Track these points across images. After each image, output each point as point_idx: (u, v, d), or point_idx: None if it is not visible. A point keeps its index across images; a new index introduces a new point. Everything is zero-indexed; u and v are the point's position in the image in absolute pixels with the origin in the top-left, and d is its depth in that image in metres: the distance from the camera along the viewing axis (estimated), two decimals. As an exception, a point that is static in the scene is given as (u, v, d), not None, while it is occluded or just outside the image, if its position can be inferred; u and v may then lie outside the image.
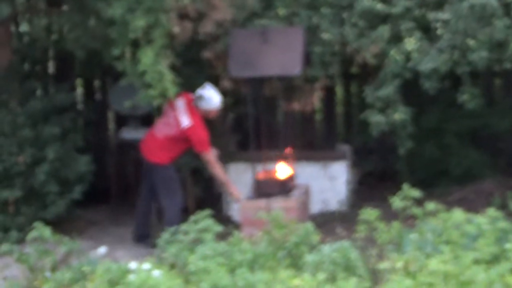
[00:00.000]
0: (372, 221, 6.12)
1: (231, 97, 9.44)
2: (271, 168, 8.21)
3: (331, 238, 7.64)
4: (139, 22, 7.48)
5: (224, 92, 8.56)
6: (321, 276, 5.20)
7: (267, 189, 7.90)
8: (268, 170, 8.21)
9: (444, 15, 7.89)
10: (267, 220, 6.32)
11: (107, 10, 7.64)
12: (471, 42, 7.63)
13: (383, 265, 5.49)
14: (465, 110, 8.18)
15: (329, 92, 10.54)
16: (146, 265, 5.68)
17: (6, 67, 8.94)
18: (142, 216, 8.38)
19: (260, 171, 8.18)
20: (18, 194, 8.52)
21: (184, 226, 6.39)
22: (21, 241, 7.63)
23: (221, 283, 5.20)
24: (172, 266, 5.93)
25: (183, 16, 7.88)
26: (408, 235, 5.95)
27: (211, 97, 8.04)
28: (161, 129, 8.14)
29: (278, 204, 7.61)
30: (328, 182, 9.38)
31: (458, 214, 5.96)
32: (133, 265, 5.73)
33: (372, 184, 10.53)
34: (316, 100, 8.79)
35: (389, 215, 6.32)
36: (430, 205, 6.13)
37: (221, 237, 6.45)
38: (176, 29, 7.72)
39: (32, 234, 6.28)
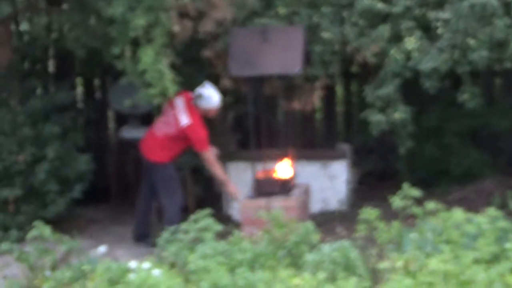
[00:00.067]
0: (372, 221, 6.12)
1: (231, 96, 9.44)
2: (271, 167, 8.21)
3: (331, 237, 7.64)
4: (139, 21, 7.48)
5: (224, 91, 8.56)
6: (321, 275, 5.20)
7: (267, 188, 7.90)
8: (268, 169, 8.21)
9: (445, 14, 7.88)
10: (267, 219, 6.32)
11: (107, 9, 7.64)
12: (471, 42, 7.63)
13: (383, 264, 5.49)
14: (465, 109, 8.17)
15: (329, 91, 10.53)
16: (146, 264, 5.68)
17: (6, 66, 8.94)
18: (142, 215, 8.38)
19: (260, 170, 8.18)
20: (18, 193, 8.52)
21: (184, 225, 6.39)
22: (21, 240, 7.63)
23: (221, 282, 5.20)
24: (172, 265, 5.93)
25: (183, 15, 7.88)
26: (408, 234, 5.95)
27: (211, 96, 8.03)
28: (161, 128, 8.14)
29: (278, 203, 7.61)
30: (328, 181, 9.38)
31: (458, 214, 5.97)
32: (133, 264, 5.73)
33: (372, 184, 10.53)
34: (316, 99, 8.78)
35: (389, 215, 6.32)
36: (430, 205, 6.13)
37: (221, 236, 6.45)
38: (176, 28, 7.72)
39: (32, 233, 6.28)
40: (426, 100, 9.68)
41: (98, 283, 5.54)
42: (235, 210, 8.81)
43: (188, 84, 8.13)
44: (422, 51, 7.89)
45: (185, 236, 6.23)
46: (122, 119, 10.29)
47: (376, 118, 8.03)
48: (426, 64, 7.75)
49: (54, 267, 6.21)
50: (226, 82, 8.49)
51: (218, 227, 6.28)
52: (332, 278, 5.31)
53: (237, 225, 7.84)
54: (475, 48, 7.60)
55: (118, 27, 7.68)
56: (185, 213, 7.70)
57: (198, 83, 8.16)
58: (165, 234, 6.41)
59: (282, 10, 8.50)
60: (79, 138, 9.16)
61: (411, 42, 7.94)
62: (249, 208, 7.68)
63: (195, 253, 5.80)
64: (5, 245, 6.42)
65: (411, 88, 8.35)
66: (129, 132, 9.60)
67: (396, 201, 6.15)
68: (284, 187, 7.98)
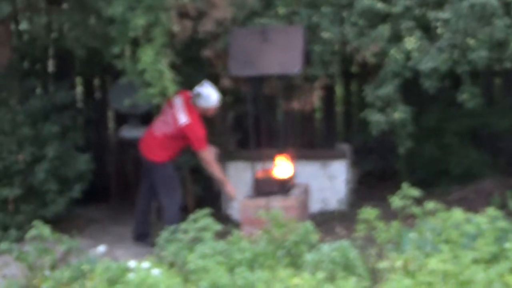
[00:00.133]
0: (372, 221, 6.12)
1: (231, 96, 9.44)
2: (270, 167, 8.21)
3: (330, 237, 7.65)
4: (139, 21, 7.48)
5: (224, 91, 8.56)
6: (321, 275, 5.20)
7: (267, 188, 7.90)
8: (268, 169, 8.20)
9: (444, 14, 7.88)
10: (267, 219, 6.32)
11: (107, 9, 7.64)
12: (471, 42, 7.63)
13: (383, 264, 5.49)
14: (465, 109, 8.17)
15: (329, 91, 10.53)
16: (146, 264, 5.68)
17: (6, 66, 8.94)
18: (141, 215, 8.38)
19: (260, 170, 8.18)
20: (18, 193, 8.52)
21: (183, 225, 6.39)
22: (20, 239, 7.63)
23: (220, 282, 5.20)
24: (172, 265, 5.93)
25: (183, 14, 7.88)
26: (408, 234, 5.95)
27: (209, 94, 8.03)
28: (160, 127, 8.14)
29: (277, 203, 7.60)
30: (328, 181, 9.38)
31: (457, 214, 5.97)
32: (132, 263, 5.73)
33: (372, 184, 10.53)
34: (316, 99, 8.78)
35: (389, 215, 6.32)
36: (430, 205, 6.13)
37: (221, 236, 6.45)
38: (176, 28, 7.72)
39: (31, 233, 6.28)
40: (426, 100, 9.68)
41: (98, 282, 5.54)
42: (235, 209, 8.81)
43: (188, 83, 8.12)
44: (422, 51, 7.89)
45: (185, 236, 6.24)
46: (122, 119, 10.28)
47: (375, 118, 8.03)
48: (426, 64, 7.75)
49: (53, 267, 6.21)
50: (226, 82, 8.49)
51: (218, 226, 6.28)
52: (331, 278, 5.31)
53: (237, 224, 7.84)
54: (475, 48, 7.60)
55: (118, 26, 7.68)
56: (184, 212, 7.69)
57: (198, 82, 8.16)
58: (165, 234, 6.41)
59: (282, 10, 8.50)
60: (78, 137, 9.16)
61: (411, 42, 7.94)
62: (249, 208, 7.68)
63: (195, 252, 5.80)
64: (4, 245, 6.42)
65: (410, 88, 8.36)
66: (129, 132, 9.60)
67: (396, 201, 6.16)
68: (284, 187, 7.98)
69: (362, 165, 10.54)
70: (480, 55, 7.55)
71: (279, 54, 7.97)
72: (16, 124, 8.69)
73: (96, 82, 11.65)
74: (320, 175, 9.36)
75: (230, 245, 6.01)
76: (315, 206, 9.03)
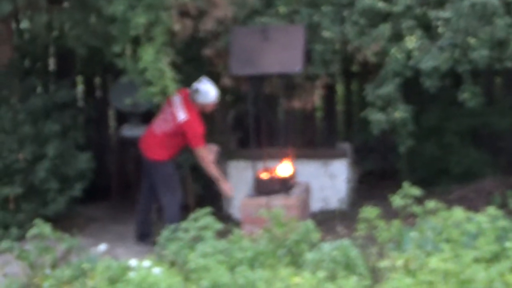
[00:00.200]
0: (372, 220, 6.12)
1: (232, 95, 9.43)
2: (271, 166, 8.21)
3: (331, 236, 7.66)
4: (140, 20, 7.48)
5: (224, 90, 8.56)
6: (321, 274, 5.20)
7: (268, 187, 7.90)
8: (269, 168, 8.20)
9: (445, 13, 7.88)
10: (268, 218, 6.32)
11: (108, 7, 7.64)
12: (472, 41, 7.63)
13: (383, 263, 5.49)
14: (466, 108, 8.17)
15: (329, 90, 10.53)
16: (146, 263, 5.68)
17: (7, 64, 8.94)
18: (143, 215, 8.37)
19: (261, 169, 8.18)
20: (19, 191, 8.52)
21: (184, 224, 6.39)
22: (21, 238, 7.64)
23: (221, 281, 5.20)
24: (172, 264, 5.93)
25: (183, 13, 7.88)
26: (408, 233, 5.95)
27: (208, 91, 8.03)
28: (159, 125, 8.15)
29: (278, 202, 7.61)
30: (329, 180, 9.38)
31: (458, 213, 5.97)
32: (133, 262, 5.73)
33: (373, 183, 10.53)
34: (316, 98, 8.78)
35: (390, 214, 6.32)
36: (430, 204, 6.13)
37: (221, 235, 6.46)
38: (176, 27, 7.73)
39: (32, 231, 6.28)
40: (427, 99, 9.68)
41: (98, 281, 5.54)
42: (235, 208, 8.81)
43: (188, 82, 8.12)
44: (423, 50, 7.89)
45: (185, 235, 6.23)
46: (123, 118, 10.28)
47: (376, 117, 8.03)
48: (427, 63, 7.75)
49: (54, 265, 6.21)
50: (227, 81, 8.49)
51: (218, 225, 6.28)
52: (332, 277, 5.31)
53: (237, 223, 7.85)
54: (476, 47, 7.60)
55: (118, 25, 7.69)
56: (185, 211, 7.70)
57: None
58: (165, 233, 6.41)
59: (282, 9, 8.50)
60: (79, 136, 9.16)
61: (411, 41, 7.94)
62: (249, 207, 7.68)
63: (195, 251, 5.80)
64: (5, 243, 6.42)
65: (411, 87, 8.35)
66: (130, 131, 9.60)
67: (396, 200, 6.15)
68: (285, 186, 7.98)
69: (362, 164, 10.54)
70: (481, 54, 7.55)
71: (280, 53, 7.97)
72: (16, 122, 8.70)
73: (97, 81, 11.65)
74: (321, 174, 9.36)
75: (231, 244, 6.01)
76: (315, 205, 9.03)
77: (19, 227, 8.24)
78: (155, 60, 7.53)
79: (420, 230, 5.93)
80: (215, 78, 8.41)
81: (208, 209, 6.41)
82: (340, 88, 12.31)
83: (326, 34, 8.26)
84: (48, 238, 6.30)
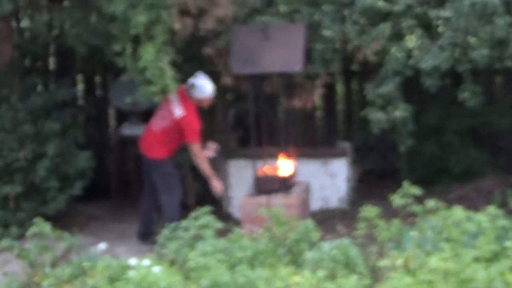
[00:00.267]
0: (372, 219, 6.12)
1: (232, 94, 9.43)
2: (271, 165, 8.21)
3: (331, 235, 7.66)
4: (140, 18, 7.48)
5: (225, 89, 8.55)
6: (321, 273, 5.20)
7: (268, 186, 7.90)
8: (269, 167, 8.21)
9: (446, 12, 7.88)
10: (268, 217, 6.32)
11: (108, 6, 7.64)
12: (472, 40, 7.63)
13: (383, 262, 5.49)
14: (466, 108, 8.16)
15: (330, 89, 10.53)
16: (146, 262, 5.68)
17: (7, 63, 8.95)
18: (145, 214, 8.36)
19: (261, 168, 8.18)
20: (19, 190, 8.53)
21: (184, 223, 6.39)
22: (21, 236, 7.64)
23: (221, 280, 5.20)
24: (172, 263, 5.93)
25: (184, 12, 7.89)
26: (408, 232, 5.95)
27: (204, 85, 8.02)
28: (157, 123, 8.15)
29: (278, 201, 7.61)
30: (329, 179, 9.39)
31: (458, 212, 5.96)
32: (133, 261, 5.73)
33: (373, 182, 10.54)
34: (316, 97, 8.78)
35: (389, 213, 6.32)
36: (430, 203, 6.13)
37: (221, 233, 6.46)
38: (177, 26, 7.73)
39: (32, 230, 6.27)
40: (427, 99, 9.68)
41: (98, 280, 5.54)
42: (235, 207, 8.82)
43: (189, 81, 8.13)
44: (423, 50, 7.89)
45: (185, 234, 6.23)
46: (123, 117, 10.30)
47: (376, 116, 8.03)
48: (427, 63, 7.75)
49: (54, 264, 6.21)
50: (227, 80, 8.49)
51: (218, 224, 6.28)
52: (332, 276, 5.31)
53: (237, 222, 7.84)
54: (476, 47, 7.60)
55: (119, 24, 7.69)
56: (185, 210, 7.70)
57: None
58: (165, 232, 6.41)
59: (283, 8, 8.49)
60: (79, 135, 9.16)
61: (412, 40, 7.94)
62: (249, 206, 7.68)
63: (195, 250, 5.80)
64: (5, 242, 6.42)
65: (411, 86, 8.35)
66: (130, 130, 9.61)
67: (396, 199, 6.15)
68: (285, 185, 7.98)
69: (362, 163, 10.54)
70: (481, 54, 7.54)
71: (280, 52, 7.97)
72: (17, 121, 8.70)
73: (97, 79, 11.66)
74: (321, 173, 9.36)
75: (231, 243, 6.00)
76: (315, 204, 9.03)
77: (19, 226, 8.25)
78: (155, 59, 7.53)
79: (420, 230, 5.92)
80: (216, 77, 8.41)
81: (208, 208, 6.41)
82: (340, 87, 12.32)
83: (326, 33, 8.26)
84: (48, 237, 6.30)
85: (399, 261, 5.38)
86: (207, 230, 6.18)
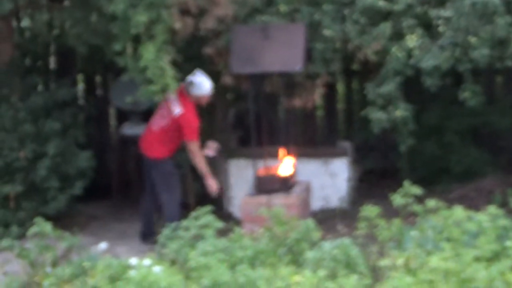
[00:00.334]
0: (373, 218, 6.12)
1: (232, 93, 9.43)
2: (272, 165, 8.21)
3: (332, 235, 7.66)
4: (141, 18, 7.48)
5: (225, 88, 8.55)
6: (322, 273, 5.20)
7: (268, 185, 7.90)
8: (269, 166, 8.21)
9: (446, 12, 7.88)
10: (268, 216, 6.32)
11: (109, 6, 7.64)
12: (472, 40, 7.63)
13: (384, 262, 5.49)
14: (466, 107, 8.16)
15: (330, 89, 10.52)
16: (147, 261, 5.68)
17: (8, 62, 8.95)
18: (146, 214, 8.35)
19: (261, 167, 8.18)
20: (19, 189, 8.53)
21: (184, 222, 6.39)
22: (21, 236, 7.64)
23: (221, 280, 5.20)
24: (173, 262, 5.93)
25: (184, 12, 7.89)
26: (409, 232, 5.95)
27: (202, 82, 8.02)
28: (157, 122, 8.15)
29: (279, 200, 7.61)
30: (329, 179, 9.39)
31: (459, 212, 5.96)
32: (133, 261, 5.73)
33: (373, 181, 10.53)
34: (317, 96, 8.78)
35: (390, 212, 6.32)
36: (431, 203, 6.13)
37: (222, 233, 6.46)
38: (177, 25, 7.73)
39: (32, 230, 6.28)
40: (427, 98, 9.68)
41: (99, 279, 5.54)
42: (236, 207, 8.82)
43: (189, 81, 8.13)
44: (424, 49, 7.89)
45: (186, 233, 6.23)
46: (123, 116, 10.29)
47: (377, 115, 8.03)
48: (427, 62, 7.75)
49: (54, 264, 6.22)
50: (227, 79, 8.49)
51: (219, 224, 6.28)
52: (332, 276, 5.31)
53: (238, 222, 7.84)
54: (477, 46, 7.60)
55: (119, 24, 7.69)
56: (185, 210, 7.70)
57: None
58: (166, 231, 6.41)
59: (283, 8, 8.49)
60: (80, 134, 9.16)
61: (412, 40, 7.94)
62: (250, 205, 7.68)
63: (196, 250, 5.80)
64: (6, 242, 6.43)
65: (412, 86, 8.35)
66: (130, 129, 9.61)
67: (397, 199, 6.15)
68: (285, 185, 7.98)
69: (363, 163, 10.54)
70: (482, 53, 7.54)
71: (281, 51, 7.97)
72: (17, 121, 8.70)
73: (98, 79, 11.66)
74: (322, 173, 9.36)
75: (232, 242, 6.00)
76: (316, 203, 9.03)
77: (20, 226, 8.25)
78: (155, 59, 7.53)
79: (420, 229, 5.92)
80: (216, 77, 8.41)
81: (208, 208, 6.41)
82: (340, 87, 12.31)
83: (326, 32, 8.26)
84: (48, 237, 6.30)
85: (400, 261, 5.38)
86: (208, 229, 6.18)
